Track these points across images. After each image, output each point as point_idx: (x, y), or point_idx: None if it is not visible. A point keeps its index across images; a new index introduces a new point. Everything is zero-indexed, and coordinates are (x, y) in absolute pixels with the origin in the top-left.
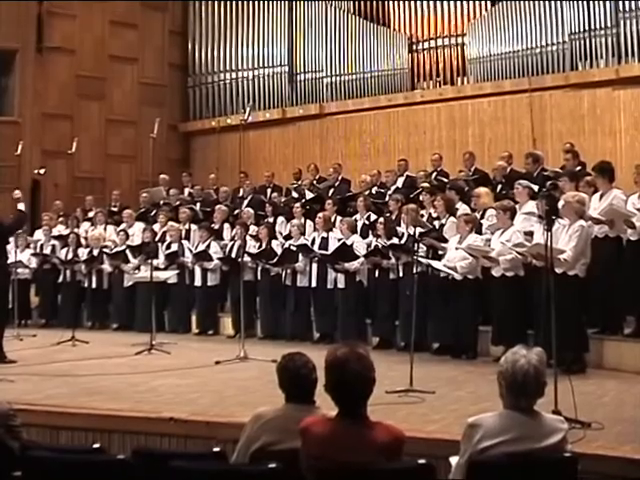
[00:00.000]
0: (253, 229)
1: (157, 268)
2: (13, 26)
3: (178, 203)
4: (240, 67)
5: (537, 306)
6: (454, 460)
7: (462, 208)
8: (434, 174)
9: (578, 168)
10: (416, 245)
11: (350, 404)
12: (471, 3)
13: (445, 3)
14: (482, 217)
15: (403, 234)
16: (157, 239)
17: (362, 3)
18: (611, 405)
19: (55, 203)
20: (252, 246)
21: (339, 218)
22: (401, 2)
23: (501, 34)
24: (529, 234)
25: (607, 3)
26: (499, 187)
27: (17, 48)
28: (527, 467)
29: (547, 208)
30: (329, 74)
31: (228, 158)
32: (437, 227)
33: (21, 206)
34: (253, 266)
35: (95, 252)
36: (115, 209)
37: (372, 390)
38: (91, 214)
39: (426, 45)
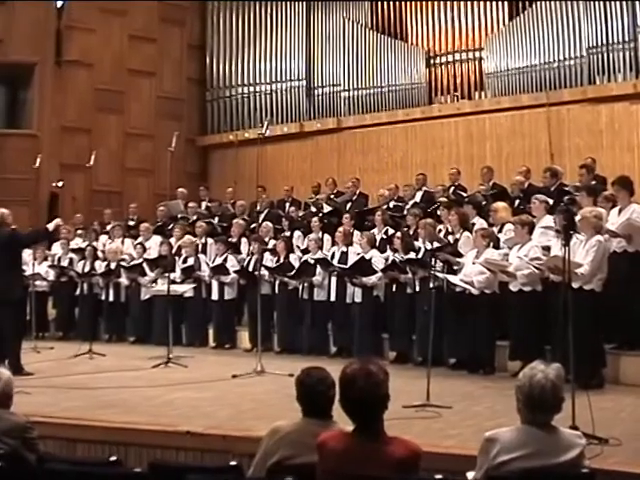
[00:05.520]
0: (271, 243)
1: (174, 281)
2: (32, 40)
3: (195, 217)
4: (258, 81)
5: (554, 321)
6: (471, 475)
7: (479, 223)
8: (452, 189)
9: (593, 182)
10: (433, 260)
11: (363, 420)
12: (489, 17)
13: (463, 17)
14: (500, 231)
15: (420, 249)
16: (174, 252)
17: (380, 18)
18: (629, 421)
19: (76, 216)
20: (269, 260)
21: (357, 232)
22: (419, 17)
23: (519, 48)
24: (546, 249)
25: (625, 18)
26: (517, 202)
27: (36, 62)
28: None
29: (565, 223)
30: (347, 88)
31: (246, 172)
32: (451, 242)
33: (50, 226)
34: (271, 280)
35: (112, 265)
36: (132, 222)
37: (385, 406)
38: (109, 227)
39: (444, 59)
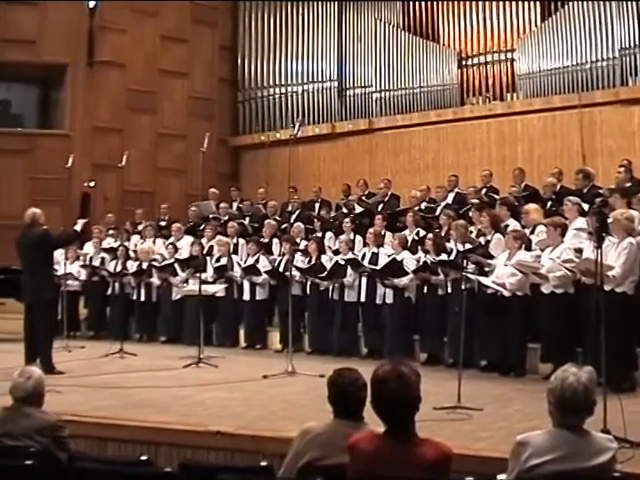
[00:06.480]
0: (302, 244)
1: (205, 281)
2: (65, 41)
3: (227, 217)
4: (289, 82)
5: (586, 323)
6: (502, 478)
7: (513, 224)
8: (484, 190)
9: (629, 184)
10: (465, 261)
11: (394, 422)
12: (521, 19)
13: (495, 19)
14: (532, 233)
15: (452, 250)
16: (205, 253)
17: (411, 18)
18: None
19: (107, 216)
20: (301, 261)
21: (389, 233)
22: (451, 18)
23: (551, 50)
24: (579, 251)
25: None
26: (549, 204)
27: (68, 62)
28: None
29: (597, 225)
30: (378, 89)
31: (277, 173)
32: (482, 243)
33: (78, 226)
34: (302, 280)
35: (144, 265)
36: (164, 223)
37: (417, 407)
38: (140, 227)
39: (475, 61)
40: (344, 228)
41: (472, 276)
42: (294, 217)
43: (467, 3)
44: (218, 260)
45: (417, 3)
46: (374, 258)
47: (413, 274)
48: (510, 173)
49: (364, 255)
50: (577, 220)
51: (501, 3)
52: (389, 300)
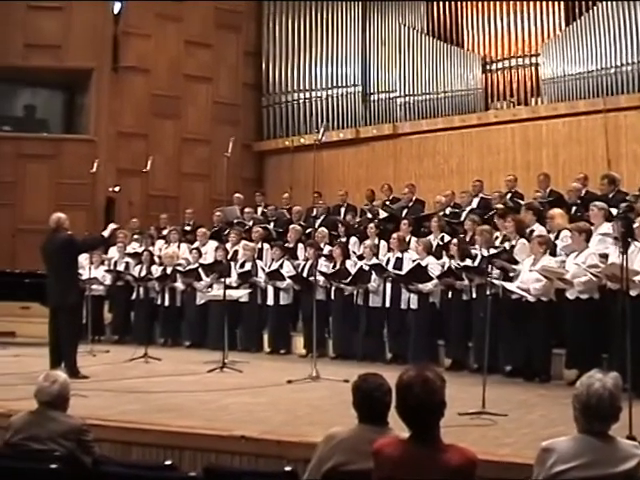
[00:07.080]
0: (327, 249)
1: (229, 286)
2: (89, 46)
3: (252, 222)
4: (314, 87)
5: (612, 329)
6: None
7: (539, 229)
8: (509, 195)
9: None
10: (489, 267)
11: (419, 427)
12: (545, 23)
13: (519, 23)
14: (556, 238)
15: (477, 255)
16: (229, 258)
17: (435, 23)
18: None
19: (132, 221)
20: (325, 266)
21: (414, 239)
22: (475, 22)
23: (575, 54)
24: (604, 256)
25: None
26: (574, 209)
27: (93, 67)
28: None
29: (623, 230)
30: (402, 94)
31: (302, 178)
32: (507, 248)
33: (106, 232)
34: (326, 285)
35: (168, 270)
36: (189, 228)
37: (442, 413)
38: (165, 232)
39: (500, 65)
40: (368, 233)
41: (497, 281)
42: (319, 222)
43: (491, 7)
44: (242, 265)
45: (441, 8)
46: (398, 263)
47: (438, 279)
48: (535, 178)
49: (388, 260)
50: (602, 225)
51: (525, 7)
52: (414, 305)
